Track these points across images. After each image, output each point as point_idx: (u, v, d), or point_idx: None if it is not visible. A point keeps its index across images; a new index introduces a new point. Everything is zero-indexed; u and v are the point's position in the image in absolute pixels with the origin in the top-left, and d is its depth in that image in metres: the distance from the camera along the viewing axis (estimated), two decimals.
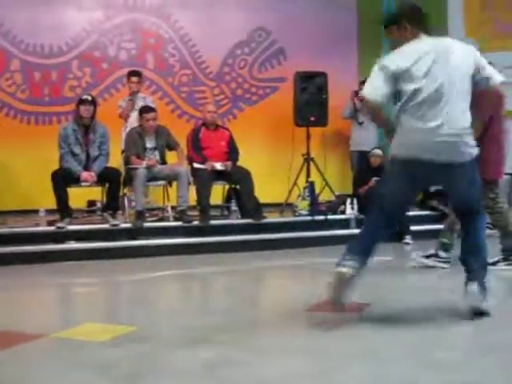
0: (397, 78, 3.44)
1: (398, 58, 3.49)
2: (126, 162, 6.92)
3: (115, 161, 7.04)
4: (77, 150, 6.46)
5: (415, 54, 3.45)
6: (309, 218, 7.27)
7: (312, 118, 7.91)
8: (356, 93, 8.54)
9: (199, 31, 8.97)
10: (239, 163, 7.17)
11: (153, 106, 7.31)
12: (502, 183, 5.31)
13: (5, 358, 2.99)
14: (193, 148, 7.08)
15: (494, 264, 4.88)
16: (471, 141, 3.46)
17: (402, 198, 3.60)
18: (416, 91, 3.40)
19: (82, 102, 6.54)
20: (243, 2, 9.12)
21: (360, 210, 7.27)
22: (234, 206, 7.29)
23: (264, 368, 2.78)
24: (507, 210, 5.27)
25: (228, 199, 7.45)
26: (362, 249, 3.49)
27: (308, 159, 7.92)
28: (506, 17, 8.52)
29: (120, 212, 6.78)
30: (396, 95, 3.49)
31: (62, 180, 6.28)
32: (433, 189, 7.29)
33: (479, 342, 3.22)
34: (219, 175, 6.99)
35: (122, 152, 7.21)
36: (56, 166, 6.45)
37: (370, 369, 2.74)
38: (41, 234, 6.41)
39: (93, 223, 6.82)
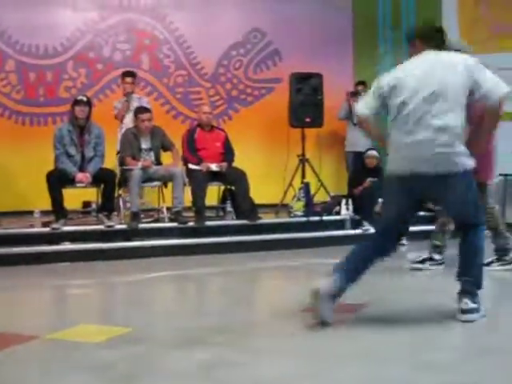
0: (388, 94, 3.53)
1: (390, 74, 3.60)
2: (121, 162, 6.90)
3: (110, 162, 7.03)
4: (72, 150, 6.45)
5: (408, 68, 3.56)
6: (304, 218, 7.28)
7: (307, 119, 7.92)
8: (351, 94, 8.57)
9: (194, 32, 8.97)
10: (234, 164, 7.17)
11: (148, 106, 7.30)
12: (494, 183, 5.32)
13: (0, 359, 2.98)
14: (188, 149, 7.07)
15: (488, 265, 4.89)
16: (463, 151, 3.42)
17: (400, 216, 3.58)
18: (403, 104, 3.45)
19: (77, 102, 6.51)
20: (238, 3, 9.13)
21: (355, 211, 7.29)
22: (229, 207, 7.29)
23: (260, 369, 2.78)
24: (498, 210, 5.29)
25: (223, 200, 7.45)
26: (346, 268, 3.46)
27: (303, 160, 7.93)
28: (499, 16, 8.52)
29: (115, 213, 6.77)
30: (388, 111, 3.57)
31: (57, 181, 6.26)
32: None
33: (475, 343, 3.23)
34: (214, 176, 6.99)
35: (118, 153, 7.20)
36: (51, 167, 6.44)
37: (365, 369, 2.74)
38: (36, 235, 6.41)
39: (88, 224, 6.80)
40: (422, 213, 7.65)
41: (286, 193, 7.82)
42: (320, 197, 7.98)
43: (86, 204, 7.49)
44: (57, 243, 6.23)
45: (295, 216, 7.41)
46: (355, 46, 9.48)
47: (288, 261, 6.17)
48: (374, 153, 7.44)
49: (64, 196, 6.31)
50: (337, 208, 7.47)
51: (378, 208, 6.53)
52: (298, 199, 7.49)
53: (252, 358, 2.93)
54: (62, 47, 8.57)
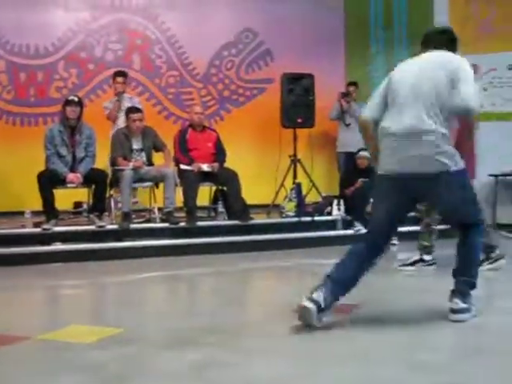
0: (385, 93, 3.60)
1: (390, 74, 3.67)
2: (113, 163, 6.89)
3: (102, 162, 7.01)
4: (63, 151, 6.43)
5: (401, 69, 3.63)
6: (296, 219, 7.29)
7: (299, 120, 7.93)
8: (343, 94, 8.58)
9: (186, 32, 8.96)
10: (226, 164, 7.17)
11: (139, 106, 7.29)
12: (483, 183, 5.34)
13: None
14: (180, 149, 7.07)
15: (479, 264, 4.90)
16: (450, 150, 3.38)
17: (390, 215, 3.55)
18: (392, 104, 3.52)
19: (68, 103, 6.50)
20: (230, 3, 9.13)
21: (347, 211, 7.30)
22: (220, 208, 7.28)
23: (252, 369, 2.78)
24: (484, 208, 5.30)
25: (215, 200, 7.44)
26: (336, 278, 3.42)
27: (295, 160, 7.94)
28: (489, 14, 8.54)
29: (106, 213, 6.76)
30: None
31: (48, 181, 6.24)
32: None
33: (466, 344, 3.24)
34: (206, 176, 6.99)
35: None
36: (42, 168, 6.41)
37: (357, 370, 2.74)
38: (27, 236, 6.39)
39: (79, 225, 6.78)
40: (412, 213, 7.73)
41: (277, 193, 7.83)
42: (312, 197, 8.00)
43: (77, 204, 7.46)
44: (48, 244, 6.21)
45: (287, 216, 7.42)
46: (347, 46, 9.49)
47: (280, 261, 6.17)
48: (365, 153, 7.42)
49: (55, 196, 6.30)
50: (328, 208, 7.48)
51: (369, 208, 6.54)
52: (290, 200, 7.50)
53: (244, 358, 2.93)
54: (53, 47, 8.54)
